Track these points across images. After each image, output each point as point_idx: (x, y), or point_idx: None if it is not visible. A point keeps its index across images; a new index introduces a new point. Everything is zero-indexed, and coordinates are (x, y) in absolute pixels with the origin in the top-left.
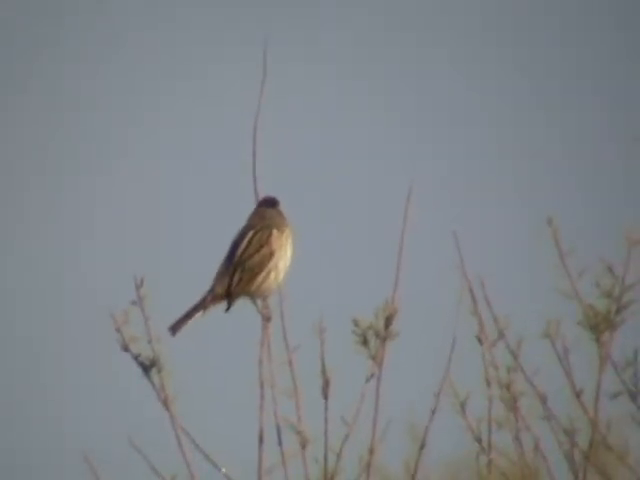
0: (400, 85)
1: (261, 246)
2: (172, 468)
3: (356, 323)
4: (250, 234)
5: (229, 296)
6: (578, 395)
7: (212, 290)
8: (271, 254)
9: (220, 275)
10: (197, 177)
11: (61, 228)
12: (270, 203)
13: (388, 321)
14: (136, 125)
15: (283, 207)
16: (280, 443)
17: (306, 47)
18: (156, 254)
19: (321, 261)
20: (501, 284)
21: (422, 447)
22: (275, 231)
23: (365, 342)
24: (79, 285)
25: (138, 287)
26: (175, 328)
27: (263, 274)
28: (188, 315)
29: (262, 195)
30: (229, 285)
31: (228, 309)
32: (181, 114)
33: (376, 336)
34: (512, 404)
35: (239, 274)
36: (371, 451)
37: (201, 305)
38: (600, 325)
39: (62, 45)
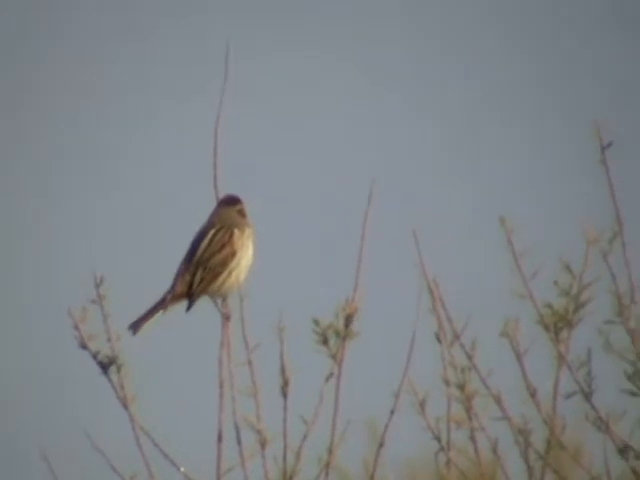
0: (358, 82)
1: (223, 246)
2: (131, 467)
3: (316, 322)
4: (211, 233)
5: (191, 296)
6: (532, 395)
7: (172, 289)
8: (233, 254)
9: (180, 274)
10: (157, 175)
11: (22, 225)
12: (231, 202)
13: (348, 320)
14: (91, 123)
15: (244, 206)
16: (239, 442)
17: (269, 39)
18: (115, 252)
19: (281, 260)
20: (461, 283)
21: (381, 446)
22: (236, 230)
23: (325, 341)
24: (38, 283)
25: (97, 285)
26: (135, 327)
27: (225, 274)
28: (148, 314)
29: (222, 194)
30: (190, 285)
31: (189, 309)
32: (141, 110)
33: (336, 335)
34: (467, 404)
35: (201, 274)
36: (330, 450)
37: (161, 304)
38: (558, 324)
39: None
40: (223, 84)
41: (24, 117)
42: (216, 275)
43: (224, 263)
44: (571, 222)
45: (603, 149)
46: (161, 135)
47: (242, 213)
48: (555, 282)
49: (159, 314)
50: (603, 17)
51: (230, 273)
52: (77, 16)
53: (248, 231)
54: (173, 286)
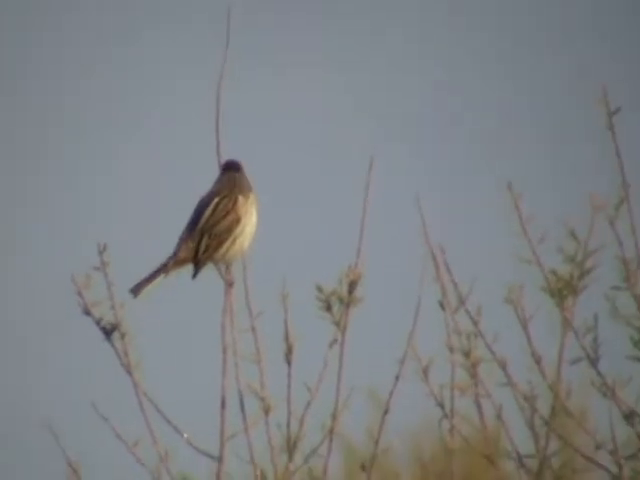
0: (363, 49)
1: (227, 213)
2: (135, 434)
3: (319, 289)
4: (215, 200)
5: (197, 263)
6: (538, 361)
7: (175, 255)
8: (237, 220)
9: (183, 241)
10: (160, 143)
11: (27, 195)
12: (234, 167)
13: (351, 287)
14: (96, 98)
15: (246, 171)
16: (243, 409)
17: (273, 14)
18: (118, 220)
19: (284, 227)
20: (464, 250)
21: (385, 413)
22: (240, 197)
23: (329, 308)
24: (42, 252)
25: (101, 252)
26: (136, 290)
27: (229, 241)
28: (150, 278)
29: (224, 160)
30: (196, 252)
31: (195, 276)
32: (141, 83)
33: (339, 302)
34: (472, 370)
35: (206, 241)
36: (334, 417)
37: (163, 269)
38: (563, 290)
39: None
40: (225, 50)
41: (29, 93)
42: (221, 242)
43: (229, 230)
44: (578, 188)
45: (611, 115)
46: (162, 104)
47: (245, 178)
48: (560, 248)
49: (160, 278)
50: None
51: (235, 240)
52: None
53: (252, 197)
54: (176, 251)
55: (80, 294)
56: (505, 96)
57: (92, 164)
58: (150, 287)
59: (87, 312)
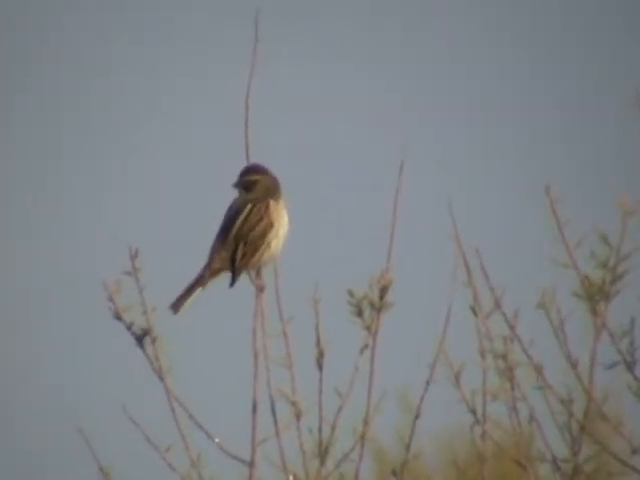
0: (395, 52)
1: (260, 218)
2: (166, 439)
3: (351, 294)
4: (248, 207)
5: (234, 272)
6: (575, 365)
7: (209, 265)
8: (271, 225)
9: (216, 251)
10: (192, 149)
11: (59, 199)
12: (258, 171)
13: (383, 292)
14: (130, 103)
15: (274, 173)
16: (274, 414)
17: (300, 22)
18: (151, 225)
19: (316, 231)
20: (496, 254)
21: (417, 417)
22: (272, 201)
23: (360, 313)
24: (75, 257)
25: (133, 258)
26: (176, 306)
27: (264, 246)
28: (187, 292)
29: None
30: (233, 261)
31: (232, 284)
32: (175, 91)
33: (371, 307)
34: (509, 374)
35: (242, 249)
36: (365, 422)
37: (199, 281)
38: (595, 296)
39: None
40: (253, 52)
41: (53, 91)
42: (256, 248)
43: (263, 235)
44: (610, 192)
45: None
46: (197, 111)
47: (274, 179)
48: (592, 254)
49: (198, 291)
50: None
51: (269, 244)
52: None
53: (282, 200)
54: (210, 262)
55: (111, 299)
56: (538, 99)
57: (125, 167)
58: (189, 302)
59: (118, 317)
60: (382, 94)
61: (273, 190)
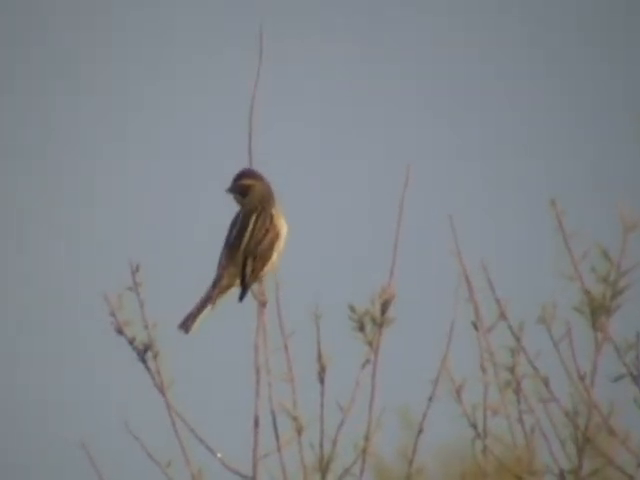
0: (398, 69)
1: (267, 231)
2: (168, 454)
3: (352, 309)
4: (253, 219)
5: (244, 287)
6: (582, 378)
7: (218, 282)
8: (277, 236)
9: (225, 266)
10: (193, 162)
11: (59, 214)
12: (256, 177)
13: (384, 307)
14: (131, 110)
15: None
16: (276, 429)
17: (304, 26)
18: (152, 240)
19: (317, 246)
20: (499, 268)
21: (420, 432)
22: (274, 211)
23: (361, 328)
24: (75, 272)
25: (134, 273)
26: (186, 326)
27: (274, 257)
28: (197, 311)
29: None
30: (243, 277)
31: (242, 299)
32: (176, 99)
33: (372, 322)
34: (516, 387)
35: (251, 264)
36: (367, 437)
37: (208, 300)
38: (596, 310)
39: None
40: (258, 64)
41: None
42: (265, 261)
43: (271, 247)
44: (614, 207)
45: None
46: (198, 123)
47: (268, 188)
48: (593, 268)
49: (208, 309)
50: None
51: (278, 255)
52: None
53: (279, 207)
54: (218, 279)
55: (113, 314)
56: (543, 113)
57: (125, 181)
58: (199, 320)
59: (120, 332)
60: (384, 106)
61: (268, 197)
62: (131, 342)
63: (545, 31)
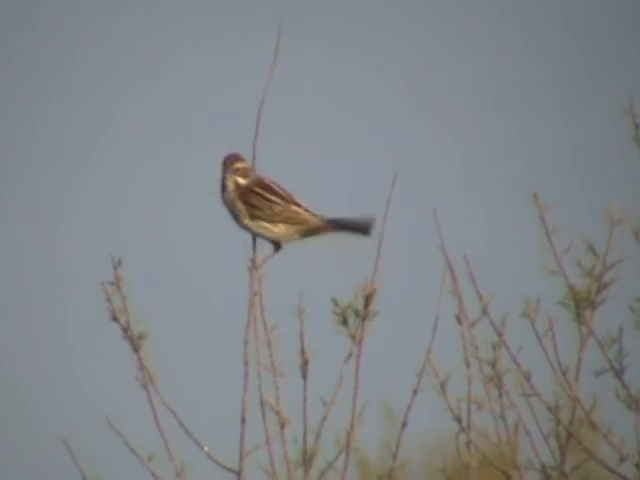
0: (385, 68)
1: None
2: (153, 448)
3: (335, 302)
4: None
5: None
6: (564, 373)
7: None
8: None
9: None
10: (176, 159)
11: (43, 207)
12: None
13: (367, 301)
14: (118, 106)
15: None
16: (264, 422)
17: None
18: (134, 235)
19: (301, 240)
20: (483, 262)
21: (404, 426)
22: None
23: (345, 321)
24: (58, 265)
25: (116, 267)
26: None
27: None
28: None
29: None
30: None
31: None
32: (170, 96)
33: (355, 315)
34: (497, 381)
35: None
36: (349, 431)
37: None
38: (581, 304)
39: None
40: (272, 66)
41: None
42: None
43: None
44: (600, 201)
45: (637, 127)
46: (187, 120)
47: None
48: (578, 262)
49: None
50: None
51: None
52: None
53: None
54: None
55: (109, 299)
56: (526, 107)
57: (113, 182)
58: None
59: (115, 319)
60: (375, 107)
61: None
62: (125, 331)
63: (526, 26)
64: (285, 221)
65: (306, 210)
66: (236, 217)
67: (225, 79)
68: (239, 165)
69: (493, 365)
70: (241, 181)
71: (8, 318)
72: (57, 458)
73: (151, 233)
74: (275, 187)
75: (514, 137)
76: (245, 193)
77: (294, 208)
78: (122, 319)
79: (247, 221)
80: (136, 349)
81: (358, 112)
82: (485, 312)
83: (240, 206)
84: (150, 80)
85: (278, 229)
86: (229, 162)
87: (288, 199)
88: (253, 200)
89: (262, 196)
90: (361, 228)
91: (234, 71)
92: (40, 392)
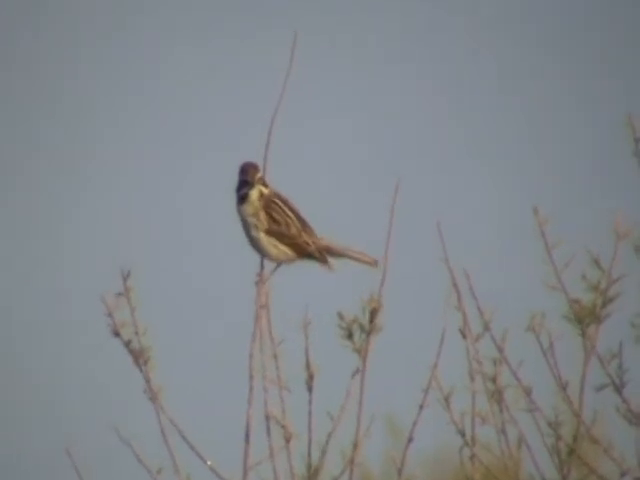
0: (387, 77)
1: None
2: (157, 461)
3: (341, 317)
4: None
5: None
6: (564, 388)
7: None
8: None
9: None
10: (188, 168)
11: (49, 215)
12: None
13: (373, 315)
14: (127, 110)
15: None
16: (269, 436)
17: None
18: (144, 246)
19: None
20: (487, 276)
21: (410, 441)
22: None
23: (350, 336)
24: (67, 274)
25: (125, 278)
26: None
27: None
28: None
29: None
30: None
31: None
32: (177, 101)
33: (361, 330)
34: (498, 397)
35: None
36: (355, 446)
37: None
38: (586, 319)
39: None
40: (286, 75)
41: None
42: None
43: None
44: (603, 215)
45: (637, 141)
46: (198, 127)
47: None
48: (583, 276)
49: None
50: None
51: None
52: None
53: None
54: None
55: (110, 315)
56: (528, 120)
57: (121, 190)
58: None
59: (117, 334)
60: (377, 119)
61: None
62: (127, 345)
63: (525, 42)
64: (292, 247)
65: (313, 242)
66: (250, 227)
67: (232, 87)
68: (260, 174)
69: (494, 380)
70: (265, 190)
71: (14, 327)
72: (61, 469)
73: (157, 246)
74: (290, 203)
75: (523, 148)
76: (268, 204)
77: (305, 239)
78: (129, 331)
79: (262, 234)
80: (139, 366)
81: (360, 123)
82: (487, 328)
83: (263, 217)
84: (162, 91)
85: (284, 252)
86: (252, 171)
87: (302, 223)
88: (273, 212)
89: (281, 209)
90: (363, 263)
91: (244, 78)
92: (46, 400)
